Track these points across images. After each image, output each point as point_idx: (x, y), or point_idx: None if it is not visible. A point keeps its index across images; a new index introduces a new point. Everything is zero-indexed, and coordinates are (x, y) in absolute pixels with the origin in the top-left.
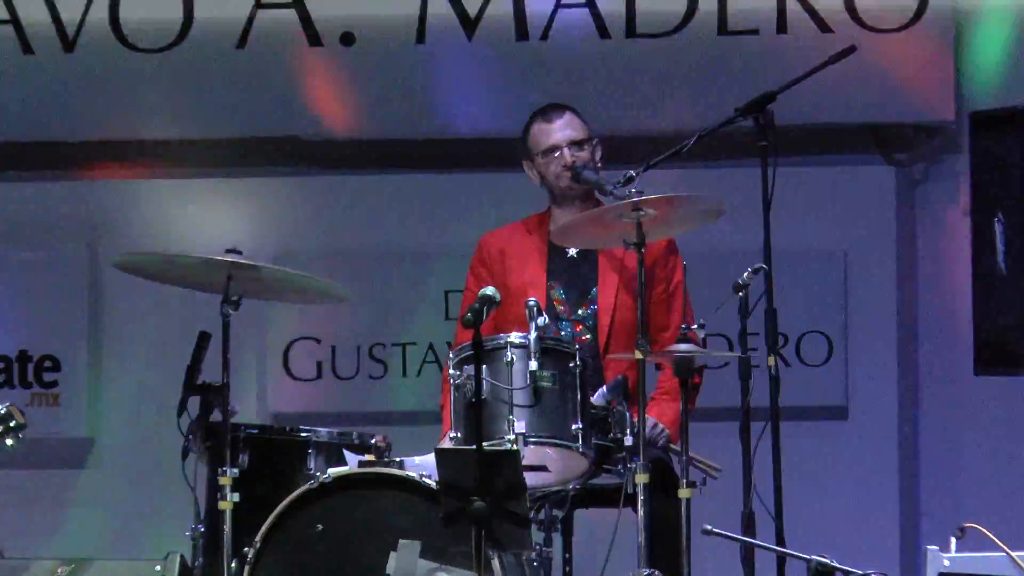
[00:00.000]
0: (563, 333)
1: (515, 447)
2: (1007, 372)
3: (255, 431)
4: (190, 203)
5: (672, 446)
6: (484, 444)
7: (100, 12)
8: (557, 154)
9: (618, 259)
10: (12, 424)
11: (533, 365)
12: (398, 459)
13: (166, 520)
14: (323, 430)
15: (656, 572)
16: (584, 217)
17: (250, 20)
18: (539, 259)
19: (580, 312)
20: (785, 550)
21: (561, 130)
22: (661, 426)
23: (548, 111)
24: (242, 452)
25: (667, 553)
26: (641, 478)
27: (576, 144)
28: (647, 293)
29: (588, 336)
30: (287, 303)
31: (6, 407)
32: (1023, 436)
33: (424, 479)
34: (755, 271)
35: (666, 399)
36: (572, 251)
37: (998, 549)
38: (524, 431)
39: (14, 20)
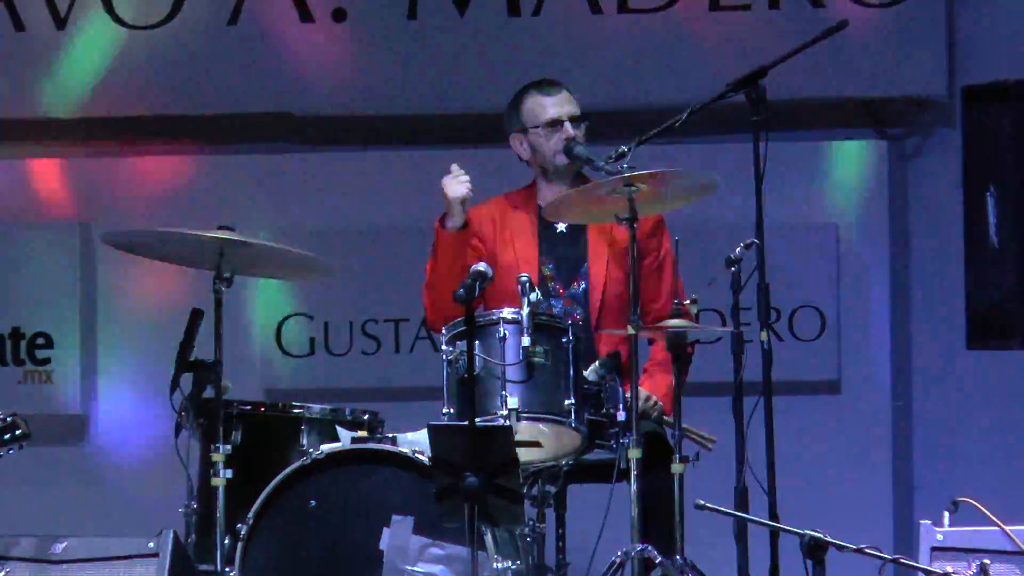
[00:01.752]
0: (555, 310)
1: (508, 423)
2: (999, 345)
3: (248, 408)
4: (183, 180)
5: (665, 418)
6: (477, 420)
7: None
8: (559, 127)
9: (607, 234)
10: (18, 433)
11: (526, 341)
12: (391, 435)
13: (159, 496)
14: (316, 406)
15: (649, 547)
16: (576, 192)
17: None
18: (530, 235)
19: (572, 288)
20: (778, 525)
21: (562, 104)
22: (654, 399)
23: (545, 85)
24: (235, 429)
25: (660, 528)
26: (634, 453)
27: (575, 120)
28: (641, 265)
29: (579, 312)
30: (280, 279)
31: (10, 417)
32: (1016, 409)
33: (417, 455)
34: (747, 246)
35: (659, 371)
36: (561, 226)
37: (992, 523)
38: (517, 407)
39: None
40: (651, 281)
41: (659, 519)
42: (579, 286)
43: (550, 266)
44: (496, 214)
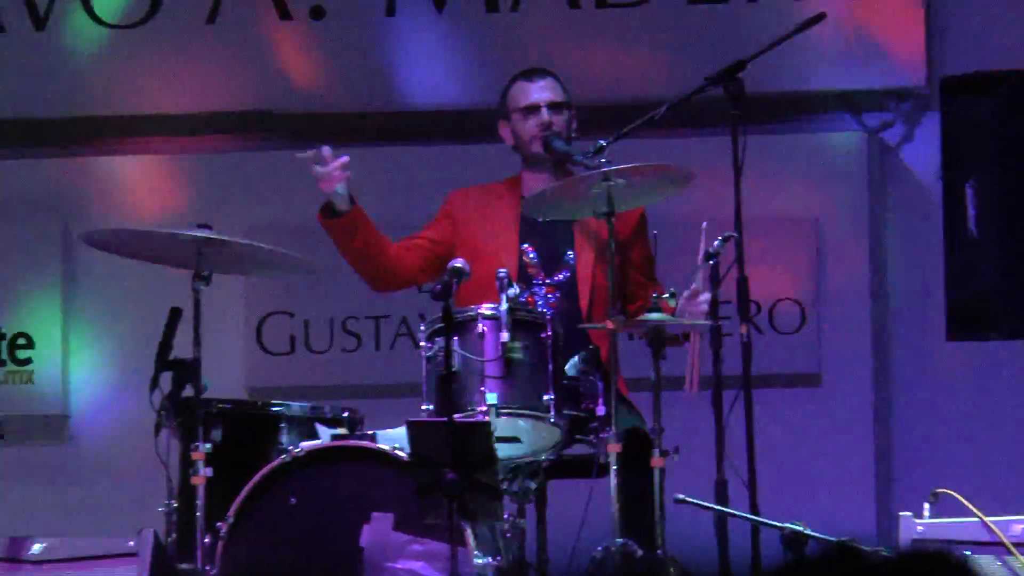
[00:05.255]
0: (537, 299)
1: (487, 418)
2: (979, 337)
3: (228, 406)
4: (163, 178)
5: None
6: (455, 416)
7: None
8: (536, 112)
9: (593, 224)
10: None
11: (504, 336)
12: (371, 432)
13: (140, 496)
14: (295, 404)
15: (630, 542)
16: (554, 188)
17: None
18: (512, 222)
19: (555, 276)
20: (758, 518)
21: (541, 91)
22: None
23: (531, 72)
24: (215, 427)
25: (641, 523)
26: (614, 448)
27: (555, 106)
28: (627, 258)
29: (565, 302)
30: (259, 277)
31: None
32: (996, 401)
33: (397, 452)
34: (726, 239)
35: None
36: None
37: (971, 514)
38: (496, 402)
39: None
40: (644, 268)
41: (640, 514)
42: (562, 275)
43: (532, 254)
44: (476, 202)
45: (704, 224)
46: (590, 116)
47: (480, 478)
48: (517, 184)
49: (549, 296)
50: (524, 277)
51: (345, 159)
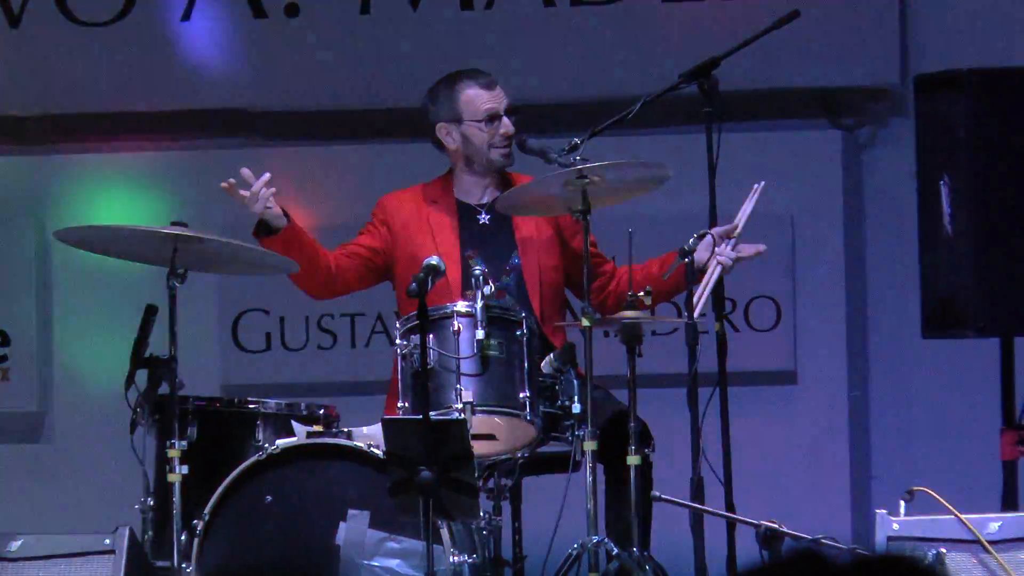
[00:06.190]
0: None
1: (462, 416)
2: (954, 334)
3: (203, 403)
4: (138, 176)
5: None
6: (432, 414)
7: None
8: (498, 121)
9: (532, 224)
10: None
11: (480, 334)
12: (346, 429)
13: (116, 493)
14: (271, 401)
15: (606, 539)
16: (528, 186)
17: None
18: (451, 227)
19: (502, 279)
20: (734, 516)
21: (500, 99)
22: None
23: (479, 76)
24: (191, 424)
25: (617, 520)
26: (589, 446)
27: (510, 113)
28: (575, 247)
29: (516, 303)
30: (235, 275)
31: None
32: (971, 398)
33: (372, 449)
34: (701, 236)
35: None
36: (484, 217)
37: (947, 512)
38: (472, 400)
39: None
40: (596, 251)
41: (615, 511)
42: (509, 277)
43: (477, 259)
44: (410, 208)
45: (759, 185)
46: (565, 113)
47: (456, 475)
48: (449, 186)
49: (499, 299)
50: (469, 282)
51: (267, 176)
